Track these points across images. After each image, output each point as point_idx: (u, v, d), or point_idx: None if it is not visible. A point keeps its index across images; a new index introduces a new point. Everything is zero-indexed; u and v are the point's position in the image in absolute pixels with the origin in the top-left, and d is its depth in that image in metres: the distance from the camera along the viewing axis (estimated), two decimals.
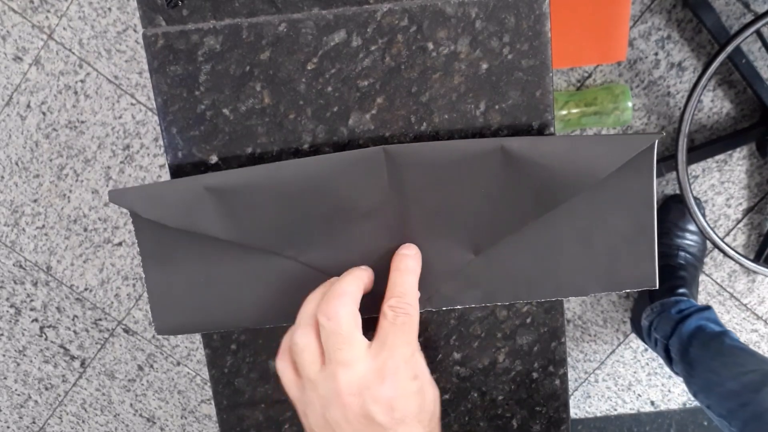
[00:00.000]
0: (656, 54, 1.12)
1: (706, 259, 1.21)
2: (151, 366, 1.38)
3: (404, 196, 0.39)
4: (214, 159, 0.41)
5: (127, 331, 1.36)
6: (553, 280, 0.42)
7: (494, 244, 0.41)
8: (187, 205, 0.39)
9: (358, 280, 0.38)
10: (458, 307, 0.43)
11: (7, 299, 1.36)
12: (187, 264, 0.42)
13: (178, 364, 1.37)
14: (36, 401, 1.44)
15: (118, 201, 0.39)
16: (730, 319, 1.25)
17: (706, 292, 1.23)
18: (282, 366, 0.39)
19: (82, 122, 1.23)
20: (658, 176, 1.14)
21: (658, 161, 1.10)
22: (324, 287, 0.38)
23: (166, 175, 1.26)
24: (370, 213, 0.40)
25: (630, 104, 1.11)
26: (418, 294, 0.40)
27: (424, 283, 0.41)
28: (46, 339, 1.39)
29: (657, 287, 0.41)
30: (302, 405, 0.38)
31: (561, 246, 0.41)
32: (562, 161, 0.38)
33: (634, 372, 1.30)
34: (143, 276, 0.43)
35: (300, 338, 0.37)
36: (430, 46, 0.39)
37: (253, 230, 0.40)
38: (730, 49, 0.89)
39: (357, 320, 0.36)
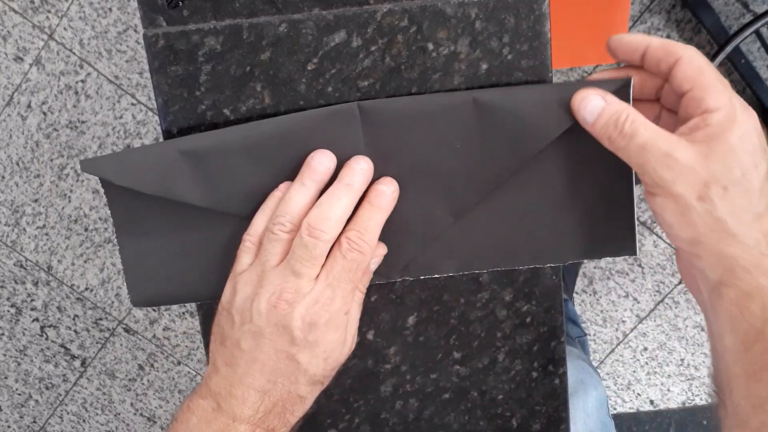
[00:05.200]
0: None
1: None
2: (152, 365, 1.38)
3: (380, 153, 0.39)
4: None
5: (127, 330, 1.36)
6: (532, 247, 0.41)
7: (473, 205, 0.40)
8: (162, 170, 0.38)
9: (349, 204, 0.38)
10: (436, 276, 0.42)
11: (8, 299, 1.36)
12: (162, 234, 0.41)
13: (179, 363, 1.37)
14: (37, 400, 1.44)
15: (91, 170, 0.38)
16: None
17: None
18: (249, 245, 0.39)
19: (83, 122, 1.24)
20: None
21: None
22: (302, 192, 0.38)
23: None
24: None
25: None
26: (377, 232, 0.39)
27: (401, 250, 0.41)
28: (46, 338, 1.39)
29: (636, 254, 0.40)
30: (235, 282, 0.38)
31: (539, 213, 0.40)
32: (535, 106, 0.37)
33: (634, 371, 1.30)
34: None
35: (279, 231, 0.37)
36: (430, 46, 0.40)
37: (227, 195, 0.39)
38: (729, 49, 0.90)
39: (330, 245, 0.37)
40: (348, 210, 0.37)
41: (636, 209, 0.40)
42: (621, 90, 0.37)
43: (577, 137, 0.38)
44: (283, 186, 0.39)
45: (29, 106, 1.23)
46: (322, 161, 0.38)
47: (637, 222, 0.40)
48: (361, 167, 0.38)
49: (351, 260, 0.37)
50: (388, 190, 0.38)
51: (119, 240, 0.41)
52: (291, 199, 0.37)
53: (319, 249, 0.36)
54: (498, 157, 0.38)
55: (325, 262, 0.37)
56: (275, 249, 0.37)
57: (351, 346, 0.40)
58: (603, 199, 0.40)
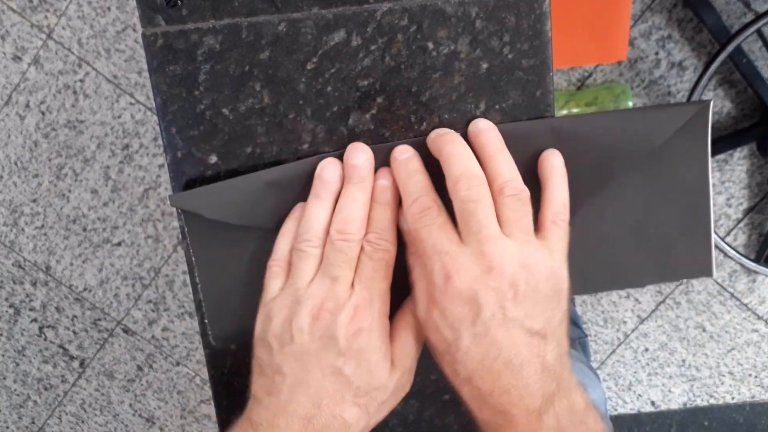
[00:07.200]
0: (657, 53, 1.12)
1: None
2: (151, 366, 1.38)
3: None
4: (213, 159, 0.41)
5: (126, 331, 1.36)
6: (608, 273, 0.41)
7: None
8: (250, 201, 0.39)
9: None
10: None
11: (6, 299, 1.36)
12: (243, 269, 0.41)
13: (178, 364, 1.37)
14: (35, 401, 1.44)
15: (182, 204, 0.39)
16: (731, 319, 1.25)
17: (706, 292, 1.23)
18: (276, 270, 0.39)
19: (81, 122, 1.23)
20: None
21: None
22: (319, 206, 0.38)
23: (165, 176, 1.26)
24: None
25: (630, 104, 1.10)
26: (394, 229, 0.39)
27: None
28: (45, 339, 1.38)
29: (713, 276, 0.40)
30: (268, 309, 0.38)
31: (615, 239, 0.40)
32: (615, 132, 0.37)
33: (635, 372, 1.30)
34: (198, 284, 0.42)
35: (308, 247, 0.37)
36: (430, 45, 0.39)
37: None
38: (730, 48, 0.89)
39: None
40: (367, 206, 0.38)
41: (713, 229, 0.39)
42: (700, 114, 0.37)
43: (655, 160, 0.38)
44: (298, 207, 0.39)
45: (27, 105, 1.23)
46: (332, 173, 0.38)
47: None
48: (362, 159, 0.38)
49: (378, 260, 0.37)
50: (387, 183, 0.38)
51: (200, 278, 0.41)
52: (311, 215, 0.38)
53: (352, 250, 0.37)
54: (576, 184, 0.38)
55: (355, 270, 0.37)
56: (307, 265, 0.37)
57: (392, 372, 0.38)
58: (680, 223, 0.40)
